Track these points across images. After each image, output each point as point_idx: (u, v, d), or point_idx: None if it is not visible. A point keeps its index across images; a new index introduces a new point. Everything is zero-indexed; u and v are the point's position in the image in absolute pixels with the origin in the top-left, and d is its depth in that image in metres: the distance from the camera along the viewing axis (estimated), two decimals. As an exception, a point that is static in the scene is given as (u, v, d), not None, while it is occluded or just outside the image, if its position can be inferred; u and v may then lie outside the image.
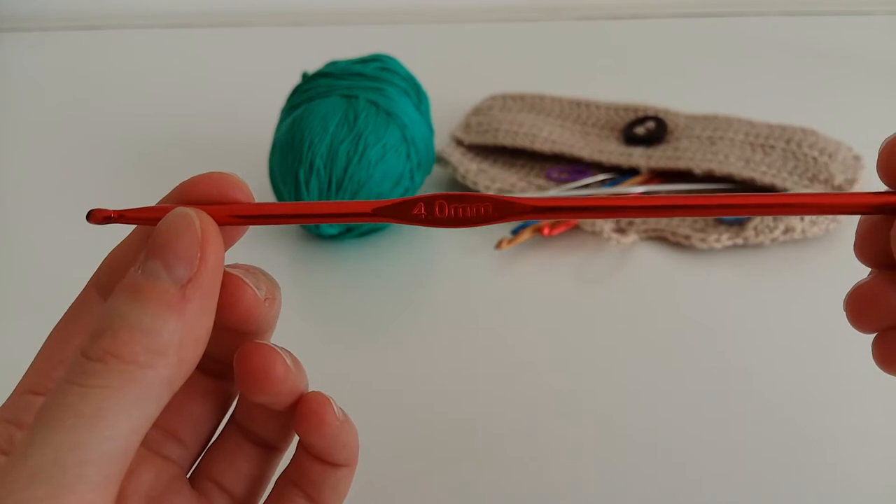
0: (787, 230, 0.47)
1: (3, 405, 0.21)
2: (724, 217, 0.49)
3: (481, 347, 0.43)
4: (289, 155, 0.47)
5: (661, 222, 0.49)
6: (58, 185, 0.59)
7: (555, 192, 0.52)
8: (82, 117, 0.68)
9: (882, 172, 0.21)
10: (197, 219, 0.20)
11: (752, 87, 0.68)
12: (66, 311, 0.23)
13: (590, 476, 0.35)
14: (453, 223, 0.22)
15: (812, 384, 0.39)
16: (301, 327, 0.43)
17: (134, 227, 0.22)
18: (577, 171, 0.54)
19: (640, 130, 0.56)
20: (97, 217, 0.21)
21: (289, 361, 0.23)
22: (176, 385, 0.19)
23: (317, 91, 0.49)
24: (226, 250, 0.21)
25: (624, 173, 0.54)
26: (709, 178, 0.51)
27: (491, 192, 0.52)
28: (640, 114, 0.57)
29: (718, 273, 0.47)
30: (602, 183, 0.53)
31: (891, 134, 0.21)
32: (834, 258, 0.47)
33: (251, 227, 0.23)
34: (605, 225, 0.49)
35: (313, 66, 0.51)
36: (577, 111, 0.59)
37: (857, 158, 0.52)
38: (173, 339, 0.19)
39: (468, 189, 0.54)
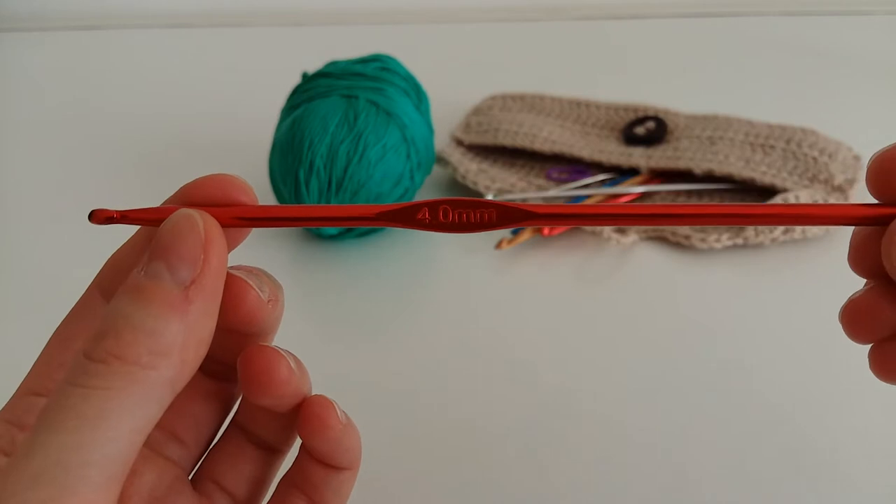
0: (787, 230, 0.47)
1: (5, 406, 0.21)
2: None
3: (481, 347, 0.43)
4: (289, 155, 0.47)
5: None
6: (58, 185, 0.59)
7: (555, 192, 0.52)
8: (82, 117, 0.68)
9: (871, 185, 0.22)
10: (200, 220, 0.20)
11: (752, 87, 0.68)
12: (68, 312, 0.23)
13: (590, 476, 0.35)
14: (457, 228, 0.22)
15: (812, 384, 0.39)
16: (301, 327, 0.43)
17: (136, 228, 0.22)
18: (577, 171, 0.54)
19: (640, 130, 0.56)
20: (99, 217, 0.21)
21: (292, 364, 0.23)
22: (178, 386, 0.19)
23: (317, 91, 0.49)
24: (229, 252, 0.21)
25: (624, 173, 0.54)
26: (709, 178, 0.51)
27: (491, 192, 0.52)
28: (640, 114, 0.57)
29: (718, 273, 0.47)
30: (602, 183, 0.53)
31: (880, 148, 0.22)
32: (834, 258, 0.46)
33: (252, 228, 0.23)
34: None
35: (313, 66, 0.51)
36: (577, 111, 0.59)
37: (857, 158, 0.52)
38: (176, 340, 0.19)
39: (468, 189, 0.54)
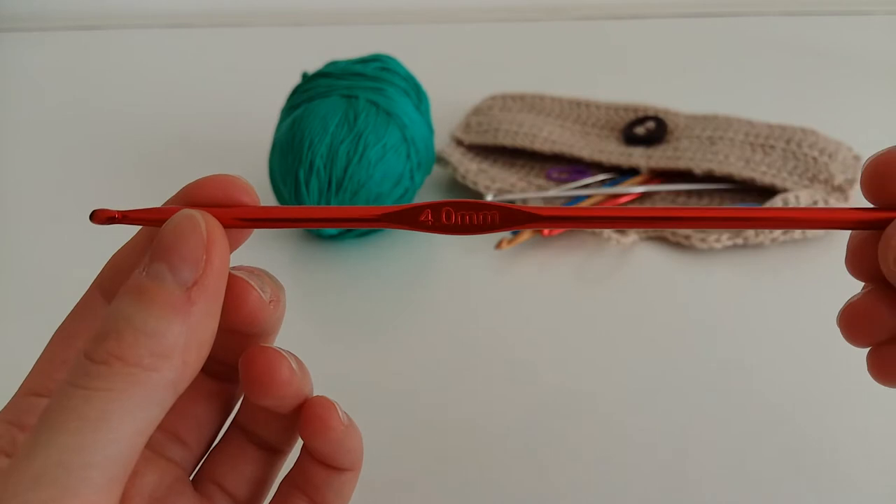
0: (786, 230, 0.47)
1: (6, 406, 0.21)
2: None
3: (481, 347, 0.43)
4: (289, 155, 0.47)
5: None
6: (58, 185, 0.59)
7: (555, 192, 0.52)
8: (82, 117, 0.68)
9: (865, 190, 0.22)
10: (202, 221, 0.20)
11: (752, 87, 0.68)
12: (68, 312, 0.23)
13: (590, 476, 0.35)
14: (460, 230, 0.22)
15: (812, 384, 0.39)
16: (301, 327, 0.43)
17: (137, 228, 0.22)
18: (577, 171, 0.54)
19: (640, 130, 0.56)
20: (100, 217, 0.21)
21: (294, 365, 0.23)
22: (180, 388, 0.19)
23: (317, 91, 0.49)
24: (230, 253, 0.21)
25: (624, 173, 0.54)
26: (709, 178, 0.51)
27: (491, 192, 0.52)
28: (640, 114, 0.57)
29: (718, 273, 0.47)
30: (602, 183, 0.53)
31: (875, 152, 0.22)
32: (834, 258, 0.46)
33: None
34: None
35: (313, 66, 0.51)
36: (577, 111, 0.59)
37: (857, 158, 0.52)
38: (178, 341, 0.19)
39: (468, 189, 0.54)
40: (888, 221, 0.21)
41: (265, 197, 0.50)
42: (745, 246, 0.48)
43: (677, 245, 0.49)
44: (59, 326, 0.22)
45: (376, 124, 0.47)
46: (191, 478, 0.25)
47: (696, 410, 0.38)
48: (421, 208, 0.22)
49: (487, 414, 0.39)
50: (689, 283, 0.46)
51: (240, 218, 0.21)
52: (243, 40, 0.84)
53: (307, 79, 0.50)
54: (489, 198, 0.51)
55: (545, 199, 0.52)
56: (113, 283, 0.21)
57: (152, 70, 0.78)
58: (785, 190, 0.49)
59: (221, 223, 0.21)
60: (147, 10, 0.89)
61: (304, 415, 0.23)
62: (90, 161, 0.61)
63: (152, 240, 0.20)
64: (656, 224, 0.22)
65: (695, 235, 0.48)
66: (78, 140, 0.64)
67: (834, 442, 0.36)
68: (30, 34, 0.86)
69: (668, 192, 0.52)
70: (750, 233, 0.47)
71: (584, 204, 0.51)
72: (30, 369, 0.22)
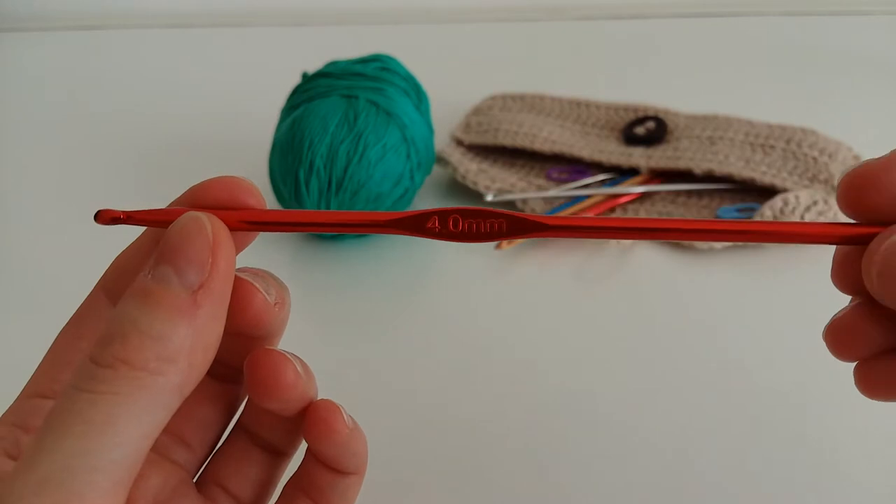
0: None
1: (10, 409, 0.21)
2: (725, 215, 0.50)
3: (481, 347, 0.43)
4: (289, 155, 0.47)
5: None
6: (58, 185, 0.59)
7: (555, 192, 0.52)
8: (82, 117, 0.68)
9: (842, 204, 0.22)
10: (209, 223, 0.20)
11: (752, 87, 0.68)
12: (72, 313, 0.23)
13: (590, 475, 0.35)
14: (467, 238, 0.22)
15: (812, 384, 0.39)
16: (301, 327, 0.43)
17: (142, 229, 0.22)
18: (577, 171, 0.54)
19: (640, 130, 0.56)
20: (105, 218, 0.21)
21: (299, 368, 0.23)
22: (186, 391, 0.19)
23: (317, 91, 0.49)
24: (236, 255, 0.21)
25: (624, 173, 0.54)
26: (709, 178, 0.51)
27: (491, 192, 0.52)
28: (640, 114, 0.57)
29: (718, 273, 0.47)
30: (602, 183, 0.53)
31: (849, 168, 0.22)
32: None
33: None
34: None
35: (313, 66, 0.51)
36: (577, 111, 0.59)
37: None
38: (184, 345, 0.19)
39: (468, 189, 0.54)
40: (872, 237, 0.21)
41: (265, 197, 0.50)
42: (745, 246, 0.48)
43: (677, 245, 0.49)
44: (63, 328, 0.22)
45: (376, 124, 0.47)
46: (194, 480, 0.25)
47: (696, 410, 0.38)
48: (428, 215, 0.22)
49: (487, 414, 0.39)
50: (689, 284, 0.46)
51: (245, 221, 0.21)
52: (243, 40, 0.83)
53: (307, 79, 0.50)
54: (489, 198, 0.51)
55: (545, 200, 0.52)
56: (117, 284, 0.21)
57: (152, 70, 0.78)
58: (785, 190, 0.49)
59: (227, 226, 0.21)
60: (147, 10, 0.88)
61: (308, 418, 0.23)
62: (90, 161, 0.61)
63: (157, 241, 0.20)
64: (659, 236, 0.22)
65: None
66: (78, 140, 0.64)
67: (834, 442, 0.36)
68: (30, 34, 0.86)
69: (668, 192, 0.52)
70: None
71: (585, 204, 0.51)
72: (33, 371, 0.22)
